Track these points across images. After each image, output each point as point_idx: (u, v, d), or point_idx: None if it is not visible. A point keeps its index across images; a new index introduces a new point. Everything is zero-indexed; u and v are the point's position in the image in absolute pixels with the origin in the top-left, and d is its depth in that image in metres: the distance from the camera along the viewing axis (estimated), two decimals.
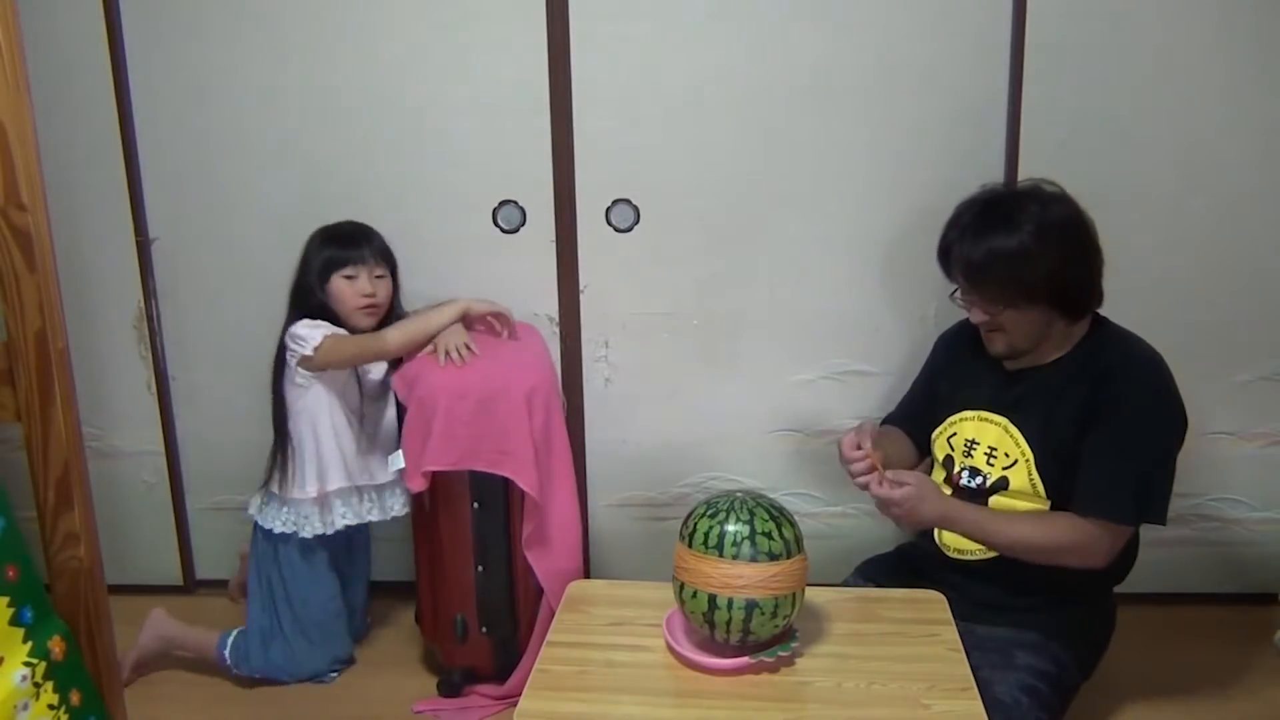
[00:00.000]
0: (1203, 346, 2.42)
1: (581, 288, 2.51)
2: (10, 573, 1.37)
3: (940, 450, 2.01)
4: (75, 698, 1.48)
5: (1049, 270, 1.79)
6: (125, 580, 2.62)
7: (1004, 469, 1.88)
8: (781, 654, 1.56)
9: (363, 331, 2.29)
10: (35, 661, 1.40)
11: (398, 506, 2.38)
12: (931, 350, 2.18)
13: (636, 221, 2.46)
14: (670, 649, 1.60)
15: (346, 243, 2.30)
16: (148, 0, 2.41)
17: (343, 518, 2.32)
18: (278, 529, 2.30)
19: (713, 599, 1.52)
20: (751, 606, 1.51)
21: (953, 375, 2.06)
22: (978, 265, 1.83)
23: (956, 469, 1.95)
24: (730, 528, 1.53)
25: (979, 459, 1.92)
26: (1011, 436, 1.89)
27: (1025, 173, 2.25)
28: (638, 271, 2.49)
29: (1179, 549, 2.55)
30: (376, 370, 2.36)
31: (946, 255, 1.92)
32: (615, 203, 2.45)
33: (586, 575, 2.59)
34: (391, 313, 2.37)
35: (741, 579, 1.51)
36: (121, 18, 2.42)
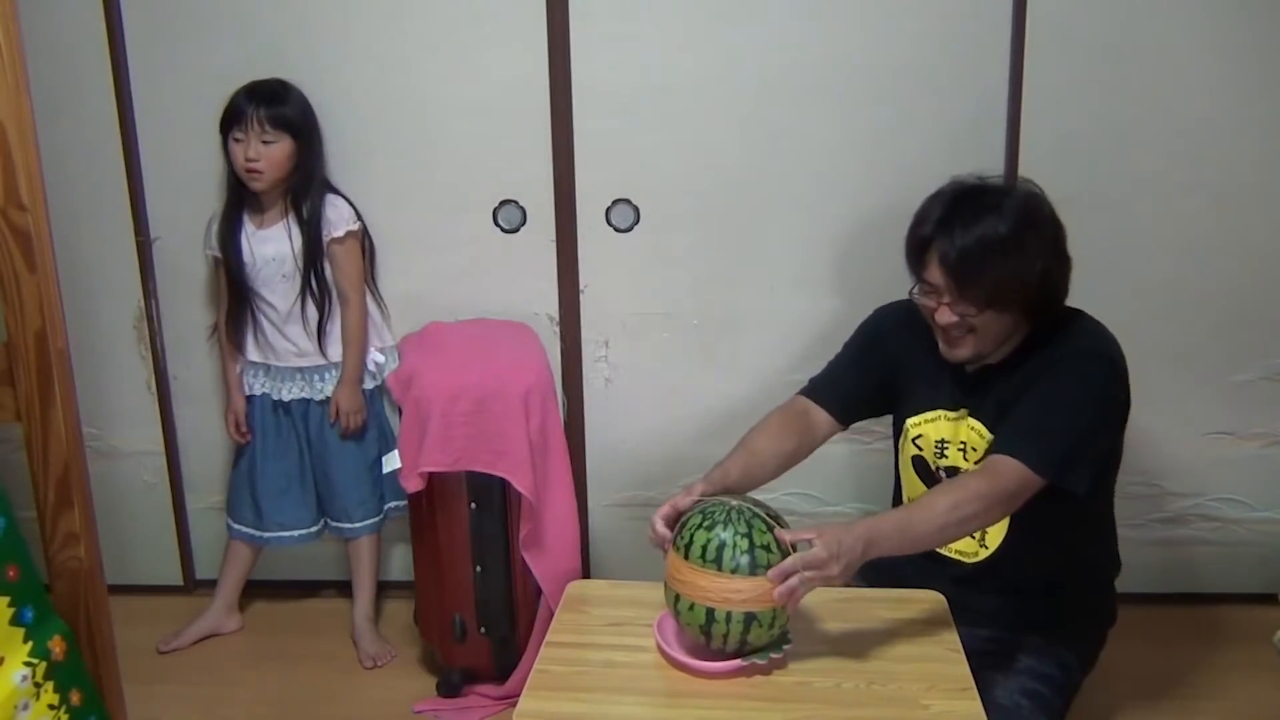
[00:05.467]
0: (1203, 346, 2.41)
1: (581, 288, 2.51)
2: (10, 573, 1.37)
3: (907, 452, 1.90)
4: (75, 697, 1.48)
5: (1042, 259, 1.67)
6: (125, 580, 2.61)
7: (976, 463, 1.79)
8: (774, 656, 1.55)
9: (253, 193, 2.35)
10: (36, 661, 1.40)
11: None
12: (871, 327, 1.96)
13: (636, 221, 2.46)
14: (661, 651, 1.58)
15: (240, 100, 2.30)
16: (148, 0, 2.41)
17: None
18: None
19: (710, 612, 1.49)
20: (750, 619, 1.48)
21: (909, 369, 1.87)
22: (970, 256, 1.64)
23: (933, 468, 1.88)
24: (728, 541, 1.49)
25: (954, 457, 1.84)
26: (973, 428, 1.80)
27: (1025, 173, 2.24)
28: (638, 271, 2.49)
29: (1179, 549, 2.55)
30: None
31: (921, 252, 1.71)
32: (615, 203, 2.45)
33: (586, 575, 2.59)
34: (298, 179, 2.35)
35: (741, 594, 1.47)
36: (122, 18, 2.42)
